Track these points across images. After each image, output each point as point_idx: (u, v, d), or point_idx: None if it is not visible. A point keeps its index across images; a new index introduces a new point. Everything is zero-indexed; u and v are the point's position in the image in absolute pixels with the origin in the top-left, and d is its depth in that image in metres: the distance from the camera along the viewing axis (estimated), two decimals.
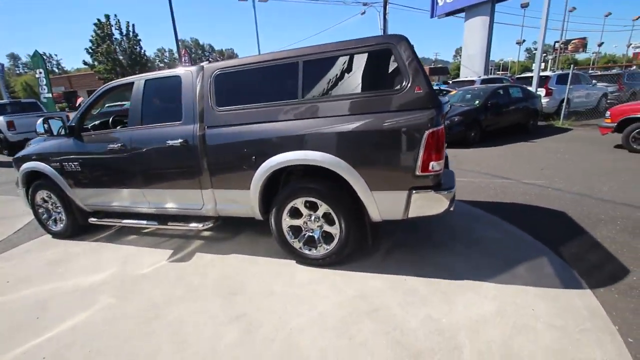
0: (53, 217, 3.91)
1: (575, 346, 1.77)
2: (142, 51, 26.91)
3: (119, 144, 3.13)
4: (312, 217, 2.72)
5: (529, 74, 13.79)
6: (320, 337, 1.95)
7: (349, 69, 2.50)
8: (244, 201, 2.85)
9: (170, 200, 3.14)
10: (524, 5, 28.11)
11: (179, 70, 3.00)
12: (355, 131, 2.34)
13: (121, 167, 3.21)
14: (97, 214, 3.73)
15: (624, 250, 2.79)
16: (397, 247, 3.03)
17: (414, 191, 2.32)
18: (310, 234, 2.77)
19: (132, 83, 3.20)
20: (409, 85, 2.24)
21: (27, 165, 3.72)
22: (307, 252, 2.78)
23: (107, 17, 25.17)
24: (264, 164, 2.61)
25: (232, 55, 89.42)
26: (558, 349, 1.76)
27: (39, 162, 3.63)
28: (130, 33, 26.15)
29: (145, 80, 3.12)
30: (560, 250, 2.83)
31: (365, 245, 2.86)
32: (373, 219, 2.51)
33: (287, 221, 2.78)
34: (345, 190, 2.53)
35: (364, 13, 23.44)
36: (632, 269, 2.50)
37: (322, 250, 2.72)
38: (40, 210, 3.92)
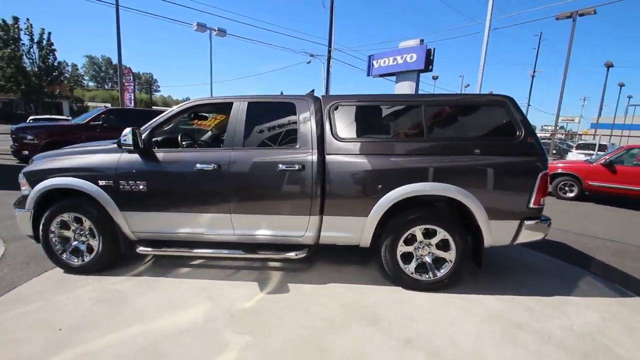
0: (73, 248, 3.16)
1: None
2: (56, 62, 23.45)
3: (213, 165, 2.89)
4: (424, 244, 2.94)
5: None
6: (502, 350, 2.14)
7: (466, 115, 2.97)
8: (354, 228, 2.92)
9: (266, 226, 2.97)
10: (435, 77, 35.26)
11: (292, 98, 3.04)
12: (482, 168, 2.76)
13: (210, 189, 2.93)
14: (142, 243, 3.19)
15: (626, 268, 3.73)
16: (474, 272, 3.41)
17: (525, 221, 2.79)
18: (422, 260, 2.96)
19: (231, 103, 3.07)
20: (523, 135, 2.80)
21: (55, 182, 3.02)
22: (418, 277, 2.94)
23: (16, 19, 21.52)
24: (390, 193, 2.78)
25: (150, 79, 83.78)
26: None
27: (78, 179, 3.01)
28: (44, 41, 22.72)
29: (249, 103, 3.04)
30: (591, 270, 3.61)
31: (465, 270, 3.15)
32: (486, 245, 2.88)
33: (401, 248, 2.93)
34: (459, 219, 2.89)
35: (309, 62, 25.31)
36: None
37: (435, 274, 2.92)
38: (53, 239, 3.14)
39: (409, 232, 2.89)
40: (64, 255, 3.15)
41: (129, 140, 2.87)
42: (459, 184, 2.75)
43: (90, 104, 42.86)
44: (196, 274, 3.21)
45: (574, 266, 3.73)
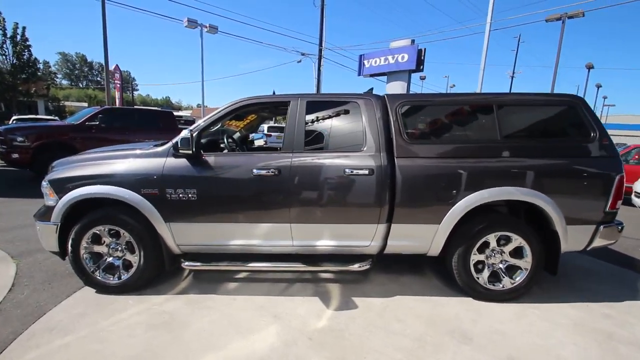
0: (107, 264, 2.82)
1: None
2: (32, 58, 22.11)
3: (273, 170, 2.63)
4: (496, 252, 2.79)
5: None
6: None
7: (538, 116, 2.85)
8: (424, 237, 2.74)
9: (330, 236, 2.74)
10: (422, 78, 35.51)
11: (355, 97, 2.82)
12: (560, 172, 2.64)
13: (269, 197, 2.67)
14: (186, 257, 2.89)
15: None
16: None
17: (601, 226, 2.69)
18: (495, 269, 2.81)
19: (287, 102, 2.81)
20: (597, 136, 2.70)
21: (90, 191, 2.67)
22: (492, 287, 2.79)
23: None
24: (466, 199, 2.62)
25: (127, 78, 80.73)
26: None
27: (117, 188, 2.67)
28: (18, 36, 21.37)
29: (308, 102, 2.79)
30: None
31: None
32: (562, 250, 2.76)
33: (474, 256, 2.76)
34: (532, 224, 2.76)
35: (300, 61, 25.00)
36: None
37: (509, 283, 2.78)
38: (84, 255, 2.79)
39: (483, 239, 2.73)
40: (97, 274, 2.80)
41: (187, 145, 2.56)
42: (539, 188, 2.61)
43: (66, 103, 40.78)
44: (246, 289, 2.93)
45: (624, 268, 3.69)
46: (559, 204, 2.63)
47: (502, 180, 2.62)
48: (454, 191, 2.63)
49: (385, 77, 22.69)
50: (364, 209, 2.67)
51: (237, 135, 4.25)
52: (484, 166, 2.64)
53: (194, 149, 2.60)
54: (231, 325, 2.38)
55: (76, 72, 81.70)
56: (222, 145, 3.34)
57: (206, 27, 17.59)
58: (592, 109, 2.79)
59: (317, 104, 2.84)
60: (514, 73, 39.25)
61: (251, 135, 5.20)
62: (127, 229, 2.73)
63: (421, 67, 20.07)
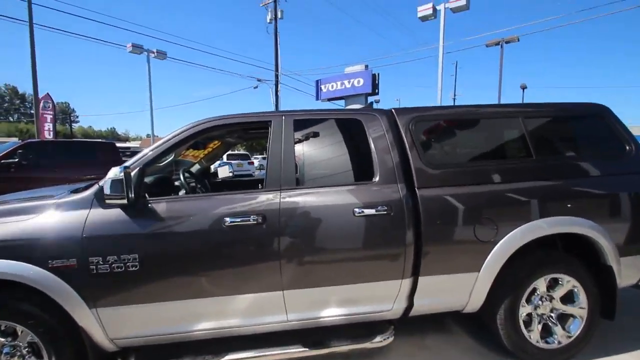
0: None
1: None
2: None
3: (254, 217, 1.85)
4: (545, 300, 2.21)
5: None
6: None
7: (566, 129, 2.41)
8: (460, 289, 2.10)
9: (338, 302, 1.98)
10: (377, 101, 37.02)
11: (355, 113, 2.18)
12: (607, 193, 2.19)
13: (250, 255, 1.87)
14: (129, 354, 1.94)
15: None
16: None
17: None
18: (545, 321, 2.22)
19: (268, 122, 2.08)
20: (634, 150, 2.31)
21: None
22: (545, 345, 2.17)
23: None
24: (511, 235, 2.03)
25: (66, 109, 74.52)
26: None
27: (7, 261, 1.70)
28: None
29: (296, 121, 2.09)
30: None
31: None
32: (618, 286, 2.25)
33: (523, 309, 2.15)
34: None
35: (256, 87, 24.50)
36: None
37: (565, 338, 2.19)
38: None
39: (532, 285, 2.15)
40: None
41: (121, 191, 1.69)
42: (588, 214, 2.12)
43: (14, 140, 36.06)
44: None
45: None
46: (610, 232, 2.15)
47: (548, 209, 2.09)
48: (495, 226, 2.04)
49: (343, 100, 22.98)
50: (383, 261, 1.97)
51: (195, 167, 3.40)
52: (527, 193, 2.10)
53: (131, 195, 1.74)
54: None
55: (5, 105, 74.06)
56: (177, 184, 2.48)
57: (153, 53, 16.46)
58: (619, 118, 2.42)
59: (308, 122, 2.15)
60: (455, 95, 42.53)
61: (213, 166, 4.33)
62: (28, 325, 1.75)
63: (376, 90, 20.54)
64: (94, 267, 1.75)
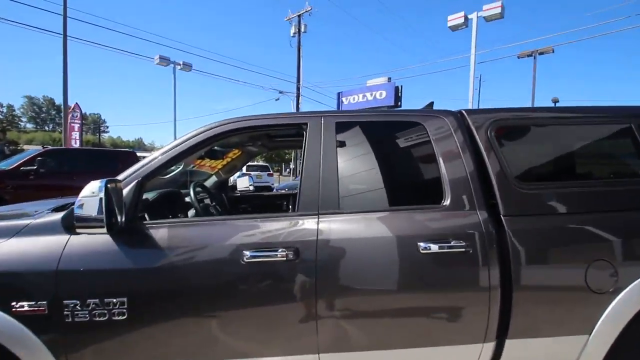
0: None
1: None
2: None
3: (283, 251, 1.36)
4: None
5: None
6: None
7: None
8: (563, 357, 1.50)
9: None
10: None
11: (414, 114, 1.68)
12: None
13: (277, 304, 1.38)
14: None
15: None
16: None
17: None
18: None
19: (302, 125, 1.61)
20: None
21: None
22: None
23: None
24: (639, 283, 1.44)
25: (97, 120, 78.08)
26: None
27: None
28: None
29: (339, 124, 1.61)
30: None
31: None
32: None
33: None
34: None
35: (277, 99, 24.56)
36: None
37: None
38: None
39: None
40: None
41: (94, 209, 1.24)
42: None
43: (26, 146, 38.16)
44: None
45: None
46: None
47: None
48: (614, 271, 1.45)
49: None
50: (458, 317, 1.43)
51: (211, 180, 2.98)
52: None
53: (120, 219, 1.29)
54: None
55: (42, 115, 78.69)
56: (187, 200, 2.03)
57: (179, 65, 16.72)
58: None
59: (353, 126, 1.66)
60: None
61: (232, 179, 3.92)
62: None
63: (399, 103, 20.11)
64: (69, 313, 1.30)
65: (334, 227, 1.43)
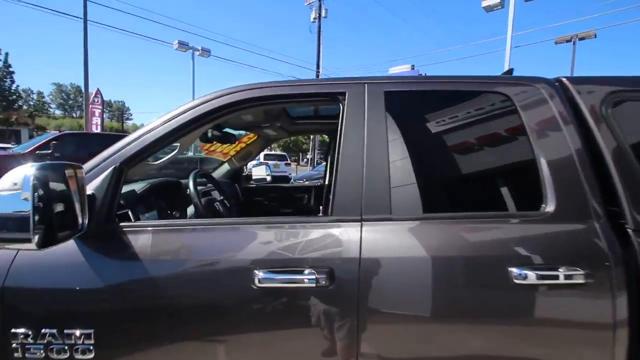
0: None
1: None
2: (13, 85, 20.94)
3: (312, 273, 0.94)
4: None
5: None
6: None
7: None
8: None
9: None
10: None
11: (494, 81, 1.20)
12: None
13: (299, 346, 0.97)
14: None
15: None
16: None
17: None
18: None
19: (339, 95, 1.17)
20: None
21: None
22: None
23: None
24: None
25: (122, 107, 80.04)
26: None
27: None
28: (1, 62, 20.30)
29: (386, 93, 1.15)
30: None
31: None
32: None
33: None
34: None
35: None
36: None
37: None
38: None
39: None
40: None
41: (16, 222, 0.81)
42: None
43: (54, 132, 39.66)
44: None
45: None
46: None
47: None
48: None
49: None
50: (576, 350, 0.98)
51: (222, 169, 2.59)
52: None
53: (83, 221, 0.91)
54: None
55: (70, 102, 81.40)
56: (188, 193, 1.64)
57: (198, 50, 16.46)
58: None
59: (410, 97, 1.20)
60: None
61: (247, 167, 3.54)
62: None
63: None
64: (19, 347, 0.95)
65: (383, 239, 1.00)
